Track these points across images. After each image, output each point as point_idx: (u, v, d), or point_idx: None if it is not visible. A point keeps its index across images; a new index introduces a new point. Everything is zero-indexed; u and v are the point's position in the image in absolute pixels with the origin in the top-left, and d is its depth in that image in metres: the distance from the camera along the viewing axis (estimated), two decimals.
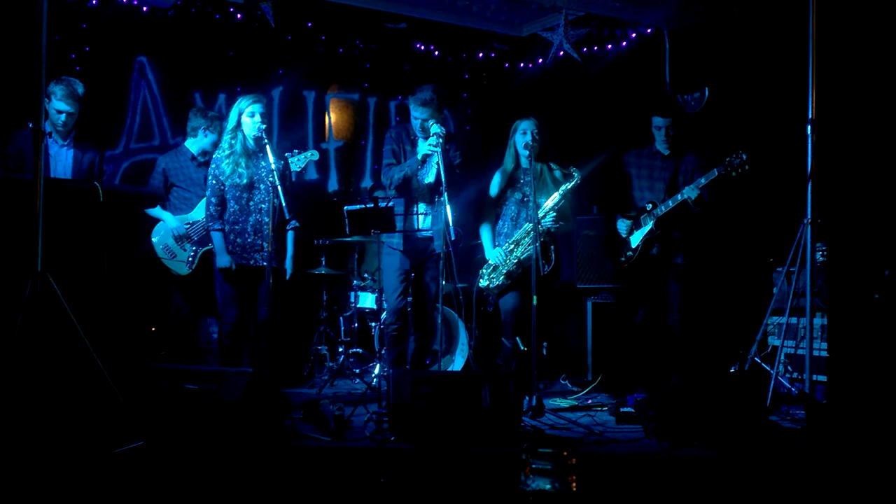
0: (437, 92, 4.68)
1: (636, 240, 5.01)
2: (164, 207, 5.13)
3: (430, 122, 4.58)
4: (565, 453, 2.92)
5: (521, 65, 7.10)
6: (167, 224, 5.04)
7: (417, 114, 4.66)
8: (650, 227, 4.94)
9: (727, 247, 5.67)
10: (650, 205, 4.95)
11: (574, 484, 2.91)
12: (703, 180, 4.75)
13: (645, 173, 5.08)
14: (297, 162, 4.81)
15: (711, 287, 5.40)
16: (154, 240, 5.05)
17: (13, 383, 3.63)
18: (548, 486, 2.90)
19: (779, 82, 5.31)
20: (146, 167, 5.59)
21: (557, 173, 4.86)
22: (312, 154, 4.90)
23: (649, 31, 6.35)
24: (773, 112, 5.42)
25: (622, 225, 5.05)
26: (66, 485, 3.23)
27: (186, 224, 5.04)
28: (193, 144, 5.21)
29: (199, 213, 5.03)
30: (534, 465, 2.93)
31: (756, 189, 4.73)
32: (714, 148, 5.02)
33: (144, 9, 5.74)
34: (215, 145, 4.96)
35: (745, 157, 4.60)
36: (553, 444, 2.98)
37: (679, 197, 4.82)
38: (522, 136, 4.79)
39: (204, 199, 4.98)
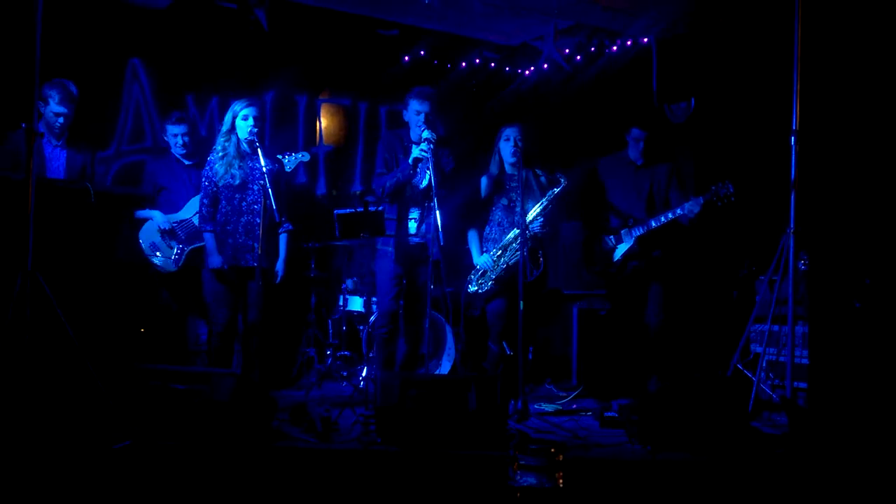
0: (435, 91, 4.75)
1: (618, 254, 5.03)
2: (151, 208, 5.13)
3: (423, 129, 4.61)
4: (553, 450, 2.94)
5: (511, 73, 7.14)
6: (155, 220, 5.05)
7: (421, 107, 4.69)
8: (631, 243, 4.97)
9: (710, 255, 5.72)
10: (631, 220, 4.97)
11: (561, 481, 2.93)
12: (687, 212, 4.72)
13: (619, 183, 5.09)
14: (287, 164, 4.84)
15: (695, 294, 5.45)
16: (141, 236, 5.04)
17: (1, 382, 3.63)
18: (536, 483, 2.92)
19: (764, 93, 5.36)
20: (137, 168, 5.59)
21: (543, 179, 4.90)
22: (303, 155, 4.93)
23: (638, 41, 6.38)
24: (758, 122, 5.47)
25: (607, 242, 5.06)
26: (53, 483, 3.23)
27: (174, 221, 5.05)
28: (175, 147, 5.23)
29: (187, 211, 5.04)
30: (522, 462, 2.94)
31: (740, 198, 4.77)
32: (698, 160, 5.05)
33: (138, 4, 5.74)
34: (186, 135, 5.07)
35: (731, 188, 4.59)
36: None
37: (663, 219, 4.84)
38: (507, 142, 4.84)
39: (192, 199, 5.00)
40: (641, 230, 4.93)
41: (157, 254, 5.02)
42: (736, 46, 5.68)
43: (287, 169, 4.80)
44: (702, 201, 4.69)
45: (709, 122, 5.90)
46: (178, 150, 5.16)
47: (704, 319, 5.49)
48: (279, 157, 4.76)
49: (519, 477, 2.95)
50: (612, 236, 5.05)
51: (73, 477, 3.29)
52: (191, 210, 4.99)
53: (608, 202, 5.11)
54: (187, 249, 5.02)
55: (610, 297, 5.41)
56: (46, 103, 4.57)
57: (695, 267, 5.38)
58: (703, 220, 4.81)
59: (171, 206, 5.11)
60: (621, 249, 5.01)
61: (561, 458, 2.97)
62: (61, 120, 4.62)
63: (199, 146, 5.23)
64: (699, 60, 5.98)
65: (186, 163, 5.18)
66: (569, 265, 5.90)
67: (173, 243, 5.03)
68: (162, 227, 5.00)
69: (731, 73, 5.74)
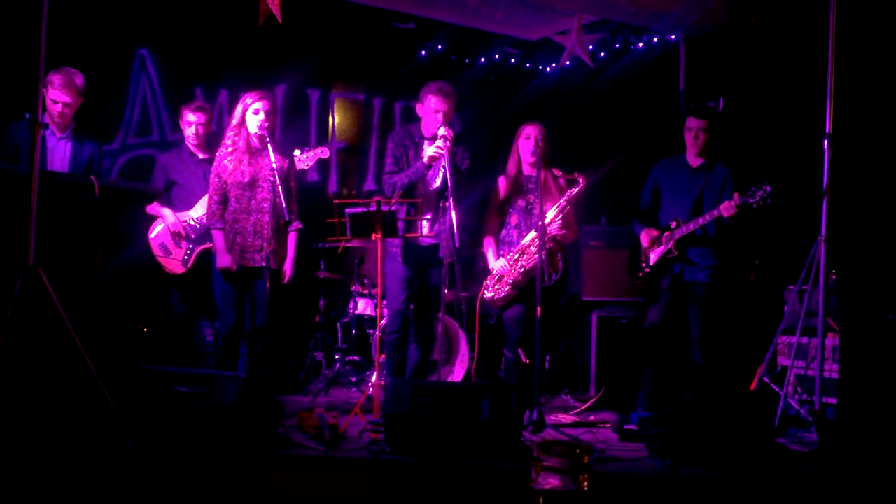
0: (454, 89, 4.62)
1: (654, 256, 4.85)
2: (162, 205, 5.03)
3: (439, 126, 4.47)
4: (578, 451, 2.82)
5: (532, 69, 6.99)
6: (165, 220, 4.94)
7: (440, 105, 4.52)
8: (669, 246, 4.76)
9: (740, 263, 5.54)
10: (674, 223, 4.78)
11: (586, 483, 2.80)
12: (725, 213, 4.53)
13: (672, 185, 4.89)
14: (305, 159, 4.72)
15: (727, 305, 5.26)
16: (151, 236, 4.95)
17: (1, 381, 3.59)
18: (559, 486, 2.79)
19: (796, 94, 5.21)
20: (144, 163, 5.51)
21: (561, 180, 4.75)
22: (322, 151, 4.83)
23: (665, 38, 6.27)
24: (790, 125, 5.32)
25: (645, 240, 4.89)
26: (52, 485, 3.18)
27: (184, 221, 4.94)
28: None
29: (197, 211, 4.93)
30: (545, 463, 2.82)
31: (775, 204, 4.62)
32: (727, 163, 4.88)
33: None
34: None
35: (769, 189, 4.39)
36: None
37: (701, 220, 4.64)
38: (526, 141, 4.69)
39: (204, 198, 4.88)
40: (682, 232, 4.73)
41: (166, 254, 4.92)
42: (767, 44, 5.53)
43: (304, 166, 4.70)
44: (739, 202, 4.50)
45: (739, 123, 5.73)
46: (189, 141, 5.05)
47: (732, 329, 5.32)
48: (296, 152, 4.64)
49: (541, 479, 2.81)
50: (651, 236, 4.87)
51: (71, 478, 3.23)
52: (202, 209, 4.87)
53: (657, 205, 4.92)
54: (197, 250, 4.92)
55: (636, 305, 5.21)
56: (48, 91, 4.44)
57: (732, 276, 5.16)
58: (740, 223, 4.63)
59: (184, 203, 5.00)
60: (658, 252, 4.82)
61: (587, 459, 2.84)
62: (59, 108, 4.46)
63: (211, 140, 5.11)
64: (729, 59, 5.83)
65: (200, 157, 5.07)
66: (590, 271, 5.75)
67: (183, 244, 4.92)
68: (173, 230, 4.89)
69: (763, 72, 5.60)
